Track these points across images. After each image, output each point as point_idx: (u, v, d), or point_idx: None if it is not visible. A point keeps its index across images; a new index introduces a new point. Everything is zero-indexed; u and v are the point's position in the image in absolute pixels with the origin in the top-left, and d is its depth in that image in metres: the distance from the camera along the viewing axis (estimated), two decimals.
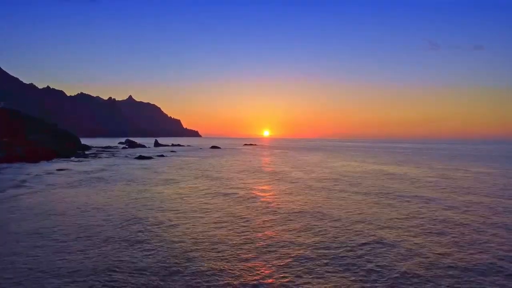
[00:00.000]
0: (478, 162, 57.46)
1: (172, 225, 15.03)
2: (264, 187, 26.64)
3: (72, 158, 56.56)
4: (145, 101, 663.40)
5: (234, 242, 12.68)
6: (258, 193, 23.67)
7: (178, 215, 17.01)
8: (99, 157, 60.52)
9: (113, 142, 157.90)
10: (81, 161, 51.77)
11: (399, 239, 13.18)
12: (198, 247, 11.99)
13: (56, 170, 36.73)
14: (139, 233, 13.69)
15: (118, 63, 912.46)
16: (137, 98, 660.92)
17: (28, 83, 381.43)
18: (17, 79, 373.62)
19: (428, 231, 14.40)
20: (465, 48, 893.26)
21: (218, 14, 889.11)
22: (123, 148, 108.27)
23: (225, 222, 15.72)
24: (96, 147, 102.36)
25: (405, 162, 55.58)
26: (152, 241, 12.67)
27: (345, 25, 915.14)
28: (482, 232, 14.38)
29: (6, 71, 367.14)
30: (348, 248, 12.04)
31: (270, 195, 23.18)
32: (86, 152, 72.18)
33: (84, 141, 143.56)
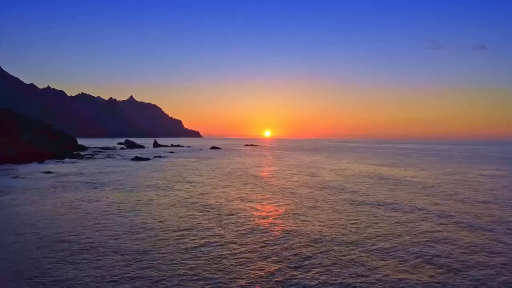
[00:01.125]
0: (485, 164, 55.37)
1: (104, 247, 12.14)
2: (252, 196, 23.11)
3: (66, 159, 54.74)
4: (146, 101, 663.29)
5: (170, 270, 10.17)
6: (241, 204, 20.36)
7: (122, 232, 14.09)
8: (93, 158, 58.68)
9: (113, 142, 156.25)
10: (73, 162, 49.95)
11: (385, 270, 10.42)
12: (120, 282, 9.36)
13: (43, 172, 34.86)
14: (59, 262, 10.69)
15: (119, 63, 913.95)
16: (138, 98, 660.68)
17: (28, 83, 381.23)
18: (17, 79, 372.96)
19: (422, 258, 11.49)
20: (467, 47, 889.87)
21: (219, 14, 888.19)
22: (121, 148, 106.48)
23: (168, 240, 13.07)
24: (93, 147, 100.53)
25: (410, 165, 53.55)
26: (63, 276, 9.66)
27: (347, 26, 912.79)
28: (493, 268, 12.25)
29: (6, 71, 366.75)
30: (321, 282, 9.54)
31: (253, 206, 19.86)
32: (82, 153, 70.30)
33: (84, 141, 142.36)
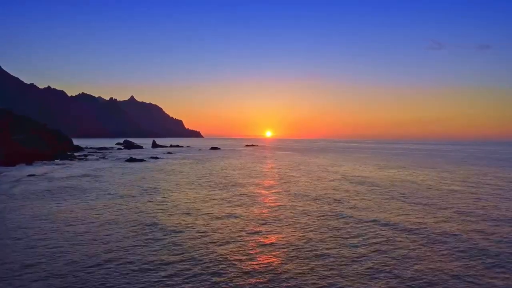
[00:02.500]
0: (496, 167, 52.81)
1: None
2: (224, 209, 19.13)
3: (57, 161, 52.46)
4: (147, 101, 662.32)
5: None
6: (201, 220, 16.54)
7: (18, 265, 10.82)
8: (86, 160, 56.35)
9: (112, 143, 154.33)
10: (64, 164, 47.60)
11: None
12: None
13: (26, 175, 32.50)
14: None
15: (120, 63, 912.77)
16: (139, 98, 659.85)
17: (28, 83, 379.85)
18: (17, 78, 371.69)
19: None
20: (470, 47, 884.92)
21: (219, 14, 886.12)
22: (118, 149, 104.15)
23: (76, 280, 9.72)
24: (90, 148, 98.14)
25: (419, 167, 51.02)
26: None
27: (347, 26, 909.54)
28: None
29: (7, 71, 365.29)
30: None
31: (213, 223, 16.02)
32: (76, 154, 68.03)
33: (83, 141, 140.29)
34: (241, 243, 13.24)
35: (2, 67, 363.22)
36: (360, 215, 17.83)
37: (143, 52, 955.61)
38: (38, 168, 40.09)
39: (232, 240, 13.52)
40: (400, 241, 13.54)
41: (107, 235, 13.97)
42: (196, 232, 14.58)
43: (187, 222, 16.23)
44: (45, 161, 50.85)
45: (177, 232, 14.58)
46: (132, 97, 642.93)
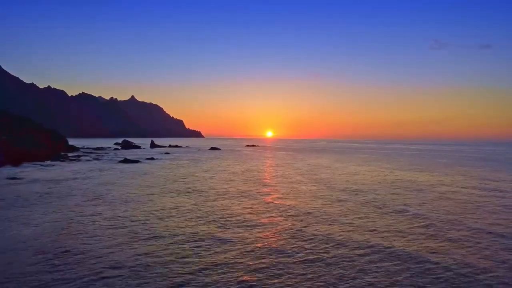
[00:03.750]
0: (503, 169, 50.63)
1: None
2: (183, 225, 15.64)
3: (47, 162, 50.31)
4: (148, 101, 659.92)
5: None
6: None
7: None
8: (79, 161, 54.30)
9: (111, 142, 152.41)
10: (53, 165, 45.46)
11: None
12: None
13: (7, 178, 30.36)
14: None
15: (121, 63, 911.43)
16: (139, 98, 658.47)
17: (29, 82, 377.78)
18: (17, 78, 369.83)
19: None
20: (471, 47, 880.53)
21: (219, 14, 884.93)
22: (115, 149, 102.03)
23: None
24: (86, 148, 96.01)
25: (426, 168, 48.84)
26: None
27: (350, 25, 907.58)
28: None
29: (7, 70, 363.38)
30: None
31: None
32: (70, 154, 65.96)
33: (82, 141, 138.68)
34: (175, 274, 10.20)
35: (2, 67, 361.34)
36: (350, 238, 13.94)
37: (143, 52, 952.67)
38: (23, 170, 37.89)
39: (163, 272, 10.37)
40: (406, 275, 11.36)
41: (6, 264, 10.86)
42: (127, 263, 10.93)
43: (118, 245, 12.72)
44: (34, 162, 48.70)
45: (97, 257, 11.39)
46: (132, 97, 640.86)
